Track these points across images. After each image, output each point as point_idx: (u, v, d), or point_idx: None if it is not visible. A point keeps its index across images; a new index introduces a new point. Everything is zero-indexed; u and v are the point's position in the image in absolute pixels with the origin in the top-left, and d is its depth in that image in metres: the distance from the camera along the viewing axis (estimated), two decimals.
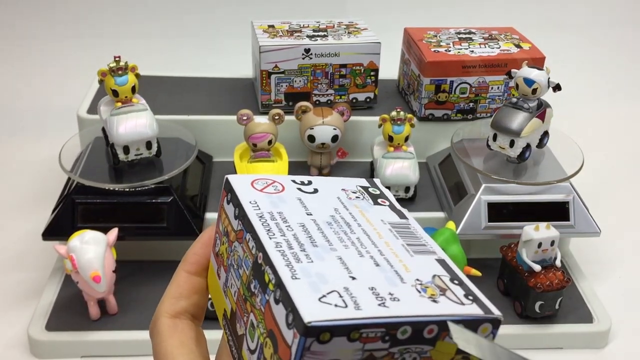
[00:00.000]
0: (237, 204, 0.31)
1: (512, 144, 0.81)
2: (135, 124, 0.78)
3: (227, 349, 0.31)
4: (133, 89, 0.78)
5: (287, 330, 0.25)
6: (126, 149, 0.79)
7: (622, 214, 1.03)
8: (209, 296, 0.34)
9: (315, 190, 0.33)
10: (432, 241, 0.31)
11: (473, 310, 0.26)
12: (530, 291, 0.75)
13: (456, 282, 0.28)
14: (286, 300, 0.25)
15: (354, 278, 0.26)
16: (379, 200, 0.34)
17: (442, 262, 0.29)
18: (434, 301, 0.26)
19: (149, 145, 0.80)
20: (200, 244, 0.33)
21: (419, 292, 0.26)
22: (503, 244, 0.81)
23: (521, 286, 0.77)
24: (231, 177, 0.33)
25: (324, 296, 0.25)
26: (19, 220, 0.96)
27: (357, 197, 0.34)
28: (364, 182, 0.36)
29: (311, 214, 0.31)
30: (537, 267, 0.75)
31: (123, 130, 0.78)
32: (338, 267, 0.27)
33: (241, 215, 0.31)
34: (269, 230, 0.29)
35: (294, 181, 0.34)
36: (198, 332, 0.33)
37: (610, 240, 0.93)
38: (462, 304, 0.26)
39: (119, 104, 0.79)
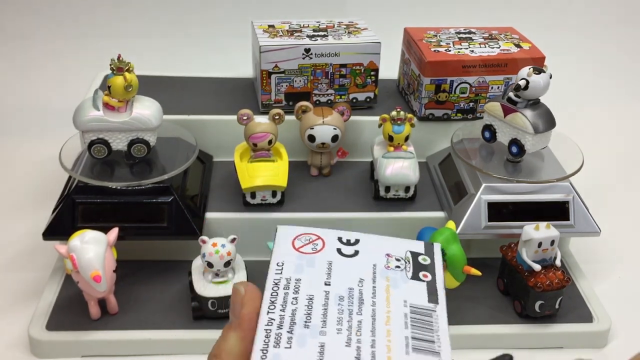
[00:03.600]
0: (270, 260, 0.32)
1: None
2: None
3: None
4: (109, 88, 0.78)
5: None
6: None
7: (622, 213, 1.03)
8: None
9: (355, 253, 0.32)
10: (447, 337, 0.29)
11: None
12: (530, 291, 0.75)
13: None
14: None
15: None
16: (421, 275, 0.32)
17: None
18: None
19: None
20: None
21: None
22: (503, 243, 0.81)
23: (521, 286, 0.77)
24: (281, 229, 0.33)
25: None
26: (19, 220, 0.96)
27: (396, 267, 0.32)
28: (419, 246, 0.34)
29: (329, 284, 0.30)
30: (537, 267, 0.75)
31: None
32: (311, 358, 0.27)
33: (266, 277, 0.31)
34: (273, 302, 0.29)
35: (340, 239, 0.33)
36: None
37: (610, 240, 0.93)
38: None
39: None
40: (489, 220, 0.81)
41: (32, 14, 1.48)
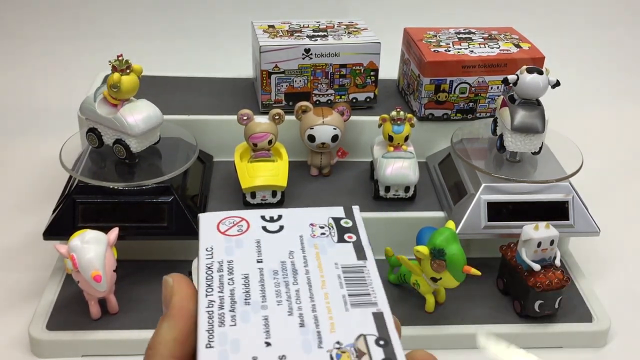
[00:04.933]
0: (198, 248, 0.32)
1: None
2: None
3: None
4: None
5: None
6: None
7: (621, 213, 1.03)
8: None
9: (280, 229, 0.34)
10: (380, 288, 0.30)
11: None
12: (530, 290, 0.75)
13: (381, 342, 0.27)
14: None
15: (268, 344, 0.27)
16: (346, 237, 0.33)
17: (378, 315, 0.29)
18: None
19: None
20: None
21: (332, 358, 0.27)
22: (502, 243, 0.81)
23: (521, 285, 0.77)
24: (202, 216, 0.34)
25: None
26: (19, 220, 0.96)
27: (322, 234, 0.33)
28: (339, 212, 0.35)
29: (261, 261, 0.31)
30: (536, 267, 0.75)
31: None
32: (258, 331, 0.28)
33: (197, 264, 0.32)
34: (209, 284, 0.30)
35: (263, 217, 0.34)
36: None
37: (610, 239, 0.93)
38: None
39: None
40: (489, 220, 0.81)
41: (32, 14, 1.48)
